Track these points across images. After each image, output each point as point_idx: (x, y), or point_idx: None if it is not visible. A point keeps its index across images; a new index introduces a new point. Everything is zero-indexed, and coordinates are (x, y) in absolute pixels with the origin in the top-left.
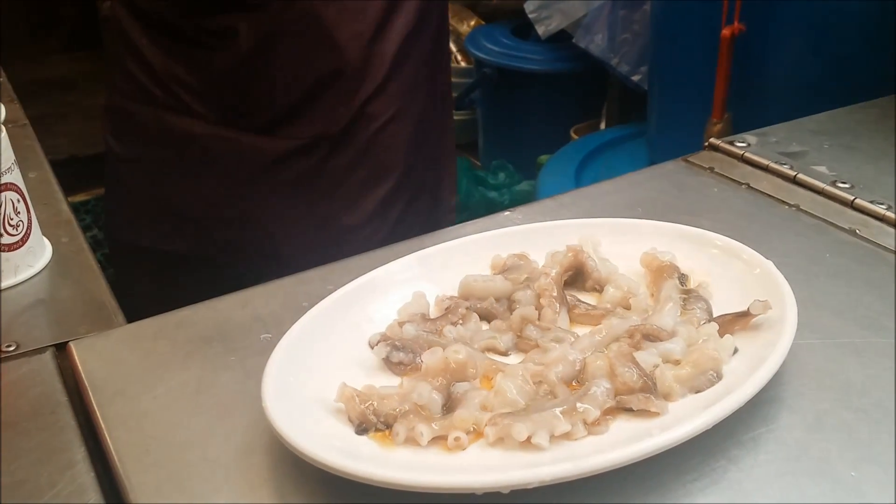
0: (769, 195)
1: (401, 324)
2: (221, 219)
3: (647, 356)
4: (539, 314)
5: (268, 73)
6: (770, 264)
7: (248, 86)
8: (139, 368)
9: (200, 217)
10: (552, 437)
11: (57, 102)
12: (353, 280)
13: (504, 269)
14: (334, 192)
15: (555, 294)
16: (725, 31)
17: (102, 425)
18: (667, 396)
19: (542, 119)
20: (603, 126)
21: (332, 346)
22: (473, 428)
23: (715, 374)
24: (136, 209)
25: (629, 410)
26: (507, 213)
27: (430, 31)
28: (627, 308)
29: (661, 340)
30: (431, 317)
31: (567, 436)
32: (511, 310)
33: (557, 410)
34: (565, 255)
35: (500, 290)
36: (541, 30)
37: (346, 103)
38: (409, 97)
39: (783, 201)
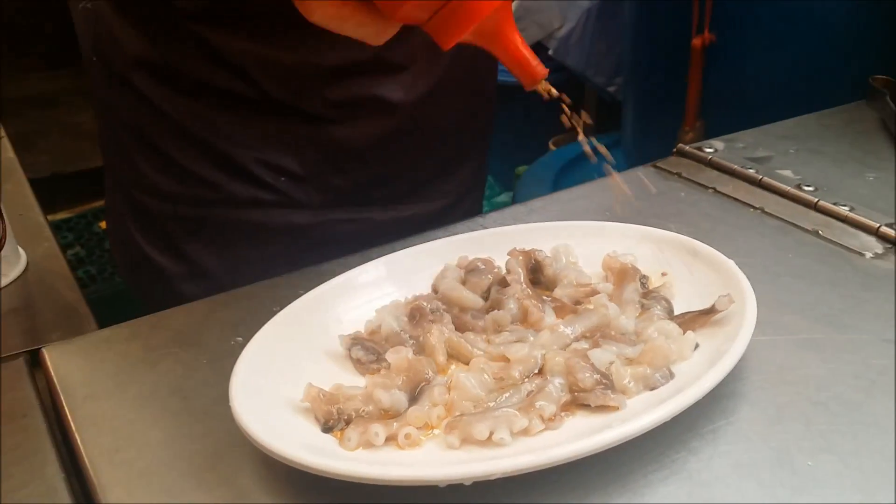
0: (735, 198)
1: (371, 332)
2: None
3: (603, 354)
4: (525, 315)
5: (419, 138)
6: (731, 263)
7: (392, 156)
8: (111, 371)
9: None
10: (512, 434)
11: (38, 120)
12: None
13: (469, 270)
14: None
15: (532, 296)
16: (696, 42)
17: (73, 427)
18: (623, 393)
19: (520, 130)
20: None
21: (301, 347)
22: (427, 424)
23: (668, 372)
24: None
25: (587, 407)
26: (478, 218)
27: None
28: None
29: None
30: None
31: (525, 431)
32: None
33: (514, 409)
34: (518, 258)
35: (472, 303)
36: None
37: (483, 159)
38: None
39: (748, 204)
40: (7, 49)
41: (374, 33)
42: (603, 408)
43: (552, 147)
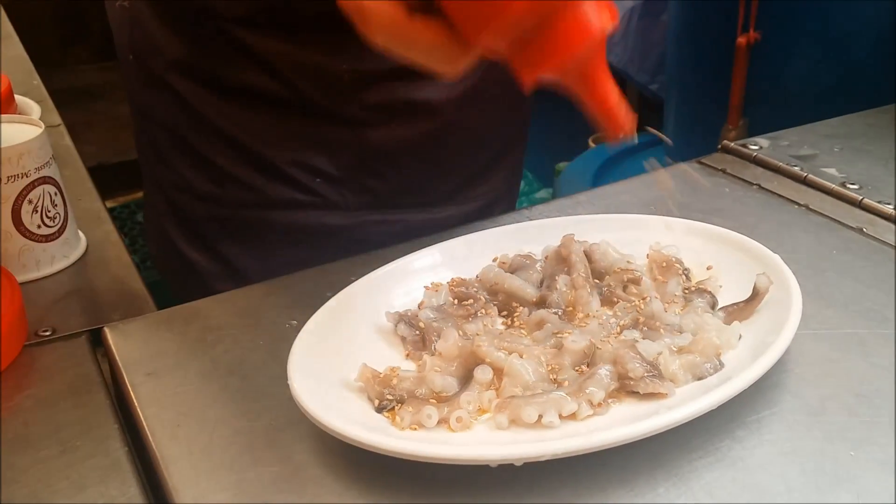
0: (779, 195)
1: (420, 306)
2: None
3: (652, 345)
4: (574, 297)
5: (454, 142)
6: (776, 257)
7: (426, 159)
8: (171, 351)
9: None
10: (560, 417)
11: (85, 111)
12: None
13: (515, 269)
14: None
15: (588, 279)
16: (741, 40)
17: (136, 403)
18: (672, 381)
19: (561, 128)
20: None
21: (354, 330)
22: (480, 409)
23: (718, 363)
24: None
25: (634, 395)
26: (524, 210)
27: None
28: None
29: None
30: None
31: (573, 416)
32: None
33: (564, 392)
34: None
35: (525, 295)
36: None
37: (519, 165)
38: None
39: (793, 201)
40: (55, 42)
41: (445, 59)
42: (650, 396)
43: (592, 144)
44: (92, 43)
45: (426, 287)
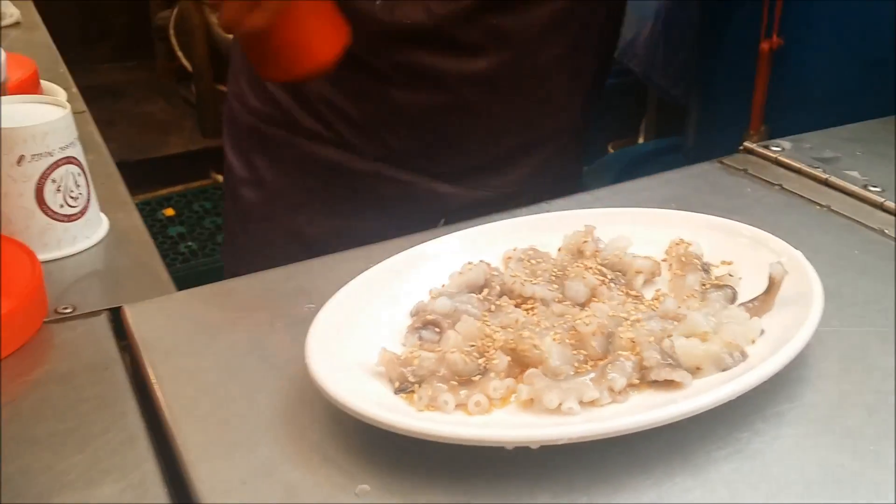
0: (801, 196)
1: (434, 296)
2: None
3: (675, 339)
4: (595, 291)
5: (470, 125)
6: (798, 253)
7: (441, 132)
8: (189, 331)
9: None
10: (580, 403)
11: (107, 110)
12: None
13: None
14: None
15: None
16: (764, 45)
17: (153, 380)
18: (694, 372)
19: None
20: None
21: (372, 314)
22: (499, 396)
23: (740, 354)
24: (254, 235)
25: (654, 385)
26: (542, 204)
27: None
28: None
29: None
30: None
31: (592, 403)
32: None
33: (588, 378)
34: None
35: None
36: None
37: (554, 163)
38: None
39: (815, 202)
40: (78, 40)
41: None
42: (669, 386)
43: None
44: (115, 42)
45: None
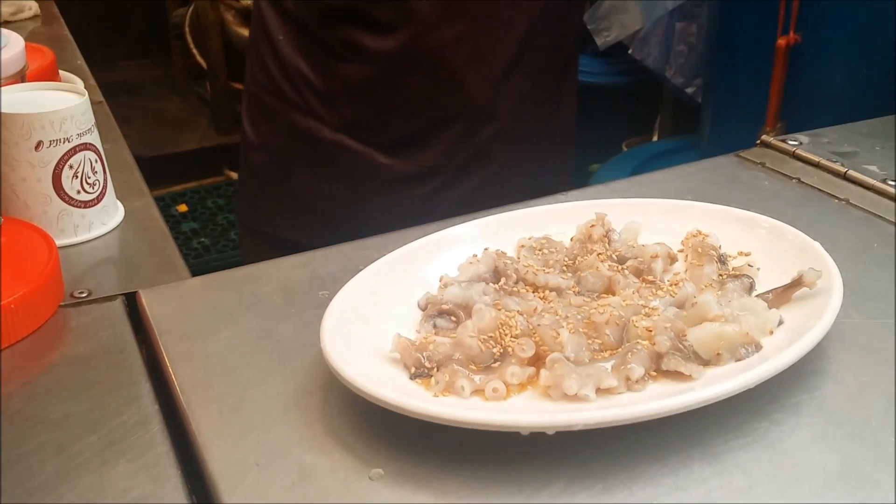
0: (819, 189)
1: (445, 285)
2: (348, 216)
3: (695, 330)
4: (610, 281)
5: (394, 98)
6: (816, 244)
7: (375, 104)
8: (204, 316)
9: (327, 212)
10: (597, 391)
11: (122, 106)
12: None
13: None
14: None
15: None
16: (781, 42)
17: (168, 363)
18: (714, 359)
19: (595, 132)
20: (655, 139)
21: (385, 301)
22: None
23: (755, 346)
24: (265, 196)
25: (670, 375)
26: (559, 195)
27: (557, 70)
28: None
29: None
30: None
31: (609, 391)
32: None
33: (608, 365)
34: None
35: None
36: (599, 41)
37: (467, 141)
38: (532, 142)
39: (833, 195)
40: (95, 37)
41: None
42: (685, 377)
43: (625, 148)
44: (132, 39)
45: (472, 258)
